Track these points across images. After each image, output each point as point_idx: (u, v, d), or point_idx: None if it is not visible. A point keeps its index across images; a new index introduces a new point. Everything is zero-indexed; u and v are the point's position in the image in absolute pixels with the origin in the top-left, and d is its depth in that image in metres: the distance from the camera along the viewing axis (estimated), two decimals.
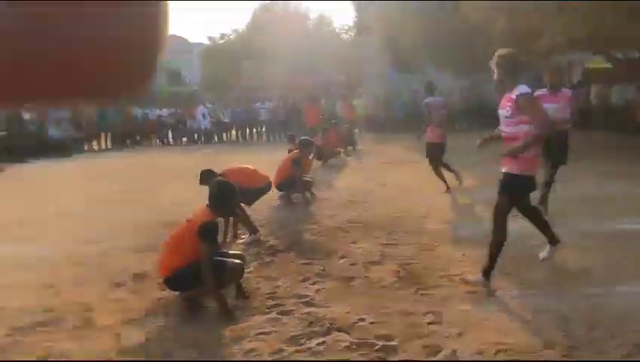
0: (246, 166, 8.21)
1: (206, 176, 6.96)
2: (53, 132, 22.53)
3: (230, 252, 5.13)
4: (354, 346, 3.89)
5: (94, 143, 25.38)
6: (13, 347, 4.16)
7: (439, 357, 3.67)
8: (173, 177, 13.75)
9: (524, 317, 4.27)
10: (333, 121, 17.64)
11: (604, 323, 4.08)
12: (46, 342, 4.03)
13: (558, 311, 4.32)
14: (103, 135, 25.59)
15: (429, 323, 4.25)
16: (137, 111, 26.71)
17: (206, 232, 4.55)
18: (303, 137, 11.12)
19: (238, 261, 4.93)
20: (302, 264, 6.04)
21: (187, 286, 4.67)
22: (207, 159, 16.22)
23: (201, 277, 4.53)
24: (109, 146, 25.50)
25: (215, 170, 6.98)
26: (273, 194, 9.80)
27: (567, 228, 6.90)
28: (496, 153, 5.06)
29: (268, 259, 6.31)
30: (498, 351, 3.70)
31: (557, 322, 4.14)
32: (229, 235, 7.27)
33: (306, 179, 10.01)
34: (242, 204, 7.27)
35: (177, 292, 4.83)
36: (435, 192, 10.23)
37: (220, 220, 5.62)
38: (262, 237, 7.28)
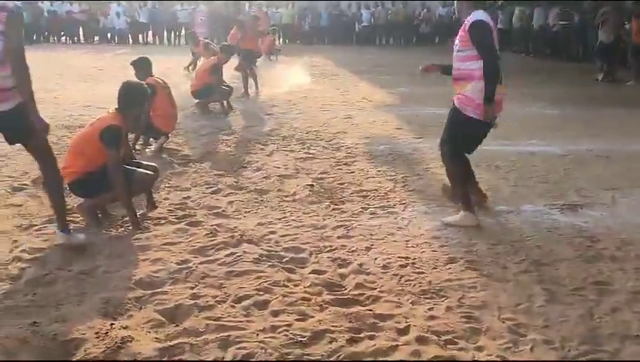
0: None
1: (140, 65, 6.64)
2: None
3: (143, 162, 4.89)
4: (263, 258, 3.85)
5: None
6: None
7: (348, 269, 3.70)
8: (81, 78, 12.99)
9: (431, 233, 4.36)
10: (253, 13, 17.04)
11: (508, 240, 4.24)
12: None
13: (464, 228, 4.44)
14: None
15: (339, 237, 4.27)
16: (45, 5, 24.79)
17: (107, 137, 4.30)
18: (224, 43, 10.67)
19: (148, 171, 4.72)
20: (215, 175, 5.89)
21: (92, 192, 4.45)
22: (119, 60, 15.39)
23: (106, 183, 4.32)
24: None
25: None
26: (189, 102, 9.47)
27: (481, 147, 7.08)
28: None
29: (180, 169, 6.12)
30: (403, 265, 3.77)
31: (462, 238, 4.26)
32: (139, 143, 6.97)
33: (224, 87, 9.69)
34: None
35: (82, 199, 4.59)
36: (356, 107, 10.21)
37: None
38: (175, 146, 7.04)
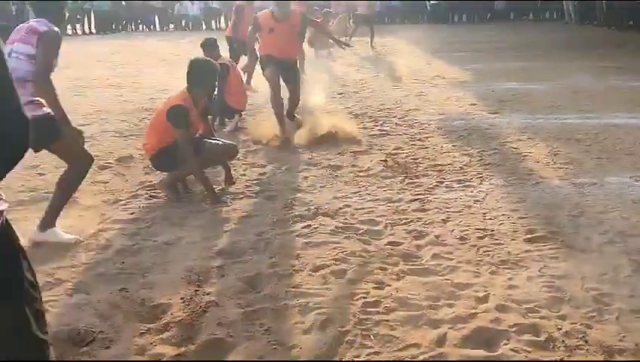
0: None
1: (208, 45, 6.81)
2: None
3: (222, 140, 5.03)
4: (339, 230, 3.90)
5: (78, 27, 24.50)
6: None
7: (425, 241, 3.69)
8: (158, 63, 13.41)
9: (509, 206, 4.28)
10: (324, 10, 17.01)
11: (591, 211, 4.10)
12: (29, 219, 4.01)
13: (545, 200, 4.33)
14: (86, 19, 24.64)
15: (414, 210, 4.26)
16: None
17: (172, 116, 4.45)
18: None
19: (220, 142, 4.85)
20: (289, 152, 5.98)
21: (168, 166, 4.63)
22: (194, 46, 15.77)
23: (178, 158, 4.49)
24: (93, 31, 24.64)
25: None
26: (261, 84, 9.59)
27: (559, 121, 6.87)
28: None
29: (255, 147, 6.24)
30: (481, 237, 3.72)
31: (542, 210, 4.15)
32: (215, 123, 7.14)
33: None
34: None
35: (164, 175, 4.78)
36: (429, 84, 10.07)
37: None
38: (250, 126, 7.18)
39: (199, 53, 6.41)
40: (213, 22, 26.94)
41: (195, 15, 26.54)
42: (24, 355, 1.54)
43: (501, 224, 3.94)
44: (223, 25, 26.85)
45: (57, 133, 3.68)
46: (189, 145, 4.51)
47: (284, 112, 6.68)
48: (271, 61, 6.42)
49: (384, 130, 6.82)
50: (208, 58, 5.07)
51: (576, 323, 2.70)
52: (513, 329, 2.66)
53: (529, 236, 3.72)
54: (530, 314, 2.79)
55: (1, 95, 1.38)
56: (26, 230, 3.67)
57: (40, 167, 5.41)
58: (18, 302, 1.51)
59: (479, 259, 3.42)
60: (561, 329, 2.65)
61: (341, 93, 9.52)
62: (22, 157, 1.44)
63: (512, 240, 3.68)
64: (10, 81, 1.39)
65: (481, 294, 2.99)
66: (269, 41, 6.44)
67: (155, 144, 4.62)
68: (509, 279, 3.16)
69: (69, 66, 13.20)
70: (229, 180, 4.95)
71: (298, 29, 6.47)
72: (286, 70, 6.55)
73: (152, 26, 26.36)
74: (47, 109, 3.63)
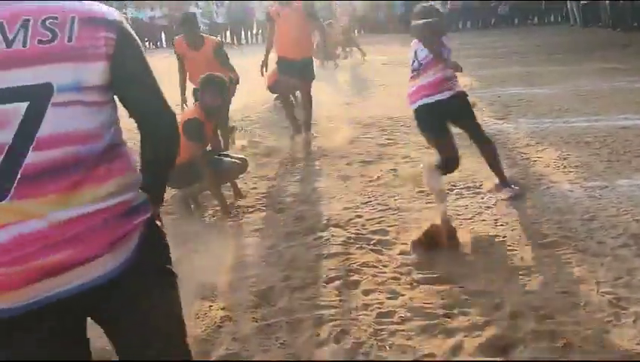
0: None
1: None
2: None
3: (232, 154, 5.07)
4: (351, 241, 3.90)
5: None
6: None
7: (437, 249, 3.68)
8: (166, 80, 13.48)
9: (520, 211, 4.26)
10: (328, 21, 17.02)
11: (603, 215, 4.08)
12: None
13: (556, 205, 4.31)
14: None
15: (426, 219, 4.24)
16: (129, 12, 25.86)
17: (187, 130, 4.46)
18: None
19: (235, 160, 4.89)
20: (298, 164, 6.00)
21: (183, 183, 4.64)
22: None
23: (195, 174, 4.50)
24: None
25: None
26: (268, 97, 9.65)
27: (567, 125, 6.85)
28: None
29: (264, 160, 6.26)
30: (493, 243, 3.71)
31: (553, 215, 4.13)
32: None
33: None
34: None
35: (175, 191, 4.80)
36: None
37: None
38: (259, 138, 7.21)
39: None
40: (219, 36, 27.06)
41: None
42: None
43: (513, 230, 3.93)
44: (229, 39, 27.02)
45: None
46: (204, 158, 4.53)
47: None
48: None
49: (392, 139, 6.83)
50: (219, 74, 5.03)
51: (593, 328, 2.68)
52: (529, 336, 2.65)
53: (542, 241, 3.70)
54: (546, 320, 2.77)
55: (149, 94, 1.55)
56: None
57: None
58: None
59: (492, 265, 3.41)
60: (578, 334, 2.64)
61: (348, 103, 9.54)
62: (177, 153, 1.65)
63: (525, 246, 3.67)
64: (154, 78, 1.56)
65: (495, 301, 2.98)
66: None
67: None
68: (524, 285, 3.15)
69: None
70: (239, 194, 4.97)
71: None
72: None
73: (158, 43, 26.52)
74: None
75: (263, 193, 5.11)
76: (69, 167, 1.35)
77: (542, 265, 3.37)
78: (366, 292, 3.19)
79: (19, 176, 1.31)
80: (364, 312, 2.97)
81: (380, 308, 2.99)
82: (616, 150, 5.70)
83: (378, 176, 5.36)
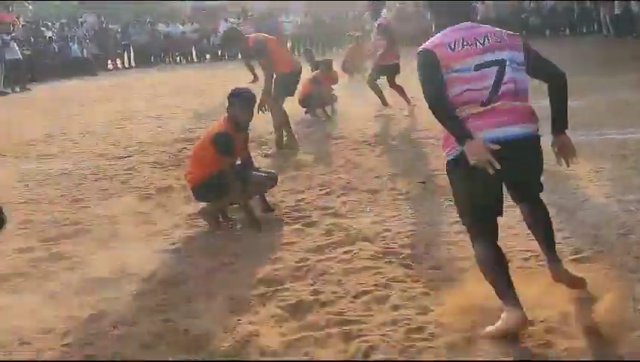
0: None
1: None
2: (76, 51, 22.30)
3: (261, 169, 5.11)
4: (379, 255, 3.87)
5: (118, 61, 25.17)
6: (43, 259, 4.23)
7: (467, 263, 3.63)
8: (196, 93, 13.65)
9: (554, 226, 4.14)
10: (357, 35, 17.03)
11: None
12: (73, 252, 4.09)
13: (591, 219, 4.22)
14: (126, 53, 25.29)
15: (456, 233, 4.19)
16: (161, 28, 26.29)
17: (218, 143, 4.51)
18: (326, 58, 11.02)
19: (264, 174, 4.92)
20: (327, 177, 5.98)
21: (212, 196, 4.66)
22: (231, 75, 16.02)
23: (224, 187, 4.52)
24: (133, 64, 25.27)
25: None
26: (298, 110, 9.69)
27: (601, 138, 6.71)
28: None
29: (293, 173, 6.26)
30: (526, 258, 3.64)
31: (588, 229, 4.04)
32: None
33: (330, 94, 9.90)
34: None
35: (205, 204, 4.82)
36: None
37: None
38: (288, 151, 7.22)
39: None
40: None
41: None
42: None
43: None
44: None
45: None
46: (234, 172, 4.56)
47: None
48: None
49: (421, 153, 6.78)
50: (247, 87, 5.07)
51: (630, 345, 2.60)
52: (564, 353, 2.58)
53: (575, 256, 3.62)
54: (581, 337, 2.69)
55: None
56: (73, 262, 3.75)
57: (84, 201, 5.54)
58: None
59: (525, 281, 3.33)
60: (615, 353, 2.56)
61: (377, 117, 9.52)
62: None
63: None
64: None
65: (529, 316, 2.91)
66: None
67: (200, 175, 4.63)
68: (558, 301, 3.07)
69: (111, 100, 13.59)
70: (268, 208, 4.97)
71: None
72: None
73: (189, 57, 26.87)
74: None
75: (292, 206, 5.10)
76: (518, 93, 2.95)
77: None
78: (395, 308, 3.15)
79: (499, 93, 2.86)
80: (393, 328, 2.92)
81: (408, 324, 2.95)
82: None
83: (407, 190, 5.31)
